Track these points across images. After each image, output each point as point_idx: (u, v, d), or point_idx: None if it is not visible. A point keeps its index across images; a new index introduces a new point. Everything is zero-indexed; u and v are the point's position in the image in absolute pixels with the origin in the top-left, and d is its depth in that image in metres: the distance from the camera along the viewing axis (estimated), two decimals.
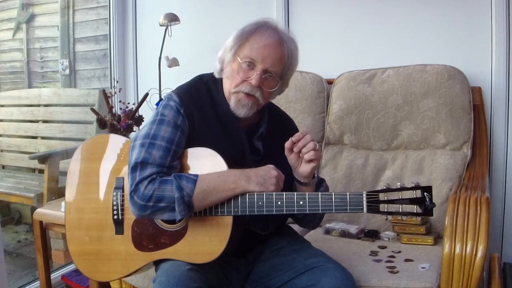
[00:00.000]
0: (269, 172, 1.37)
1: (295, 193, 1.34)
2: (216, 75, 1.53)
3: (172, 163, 1.39)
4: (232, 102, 1.46)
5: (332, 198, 1.33)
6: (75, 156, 1.56)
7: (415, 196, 1.30)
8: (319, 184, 1.52)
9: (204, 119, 1.46)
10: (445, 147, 2.09)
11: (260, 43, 1.43)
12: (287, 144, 1.40)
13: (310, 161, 1.39)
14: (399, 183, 1.33)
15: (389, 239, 1.93)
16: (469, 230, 1.49)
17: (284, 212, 1.34)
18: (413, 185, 1.31)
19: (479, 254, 1.46)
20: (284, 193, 1.34)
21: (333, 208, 1.32)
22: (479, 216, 1.51)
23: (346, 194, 1.33)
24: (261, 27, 1.45)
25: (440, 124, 2.08)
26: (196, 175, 1.35)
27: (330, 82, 2.35)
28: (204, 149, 1.40)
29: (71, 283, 2.46)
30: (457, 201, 1.58)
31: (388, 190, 1.31)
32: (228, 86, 1.48)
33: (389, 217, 1.32)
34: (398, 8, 2.37)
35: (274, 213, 1.34)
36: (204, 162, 1.40)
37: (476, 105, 2.13)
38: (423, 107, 2.10)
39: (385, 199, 1.31)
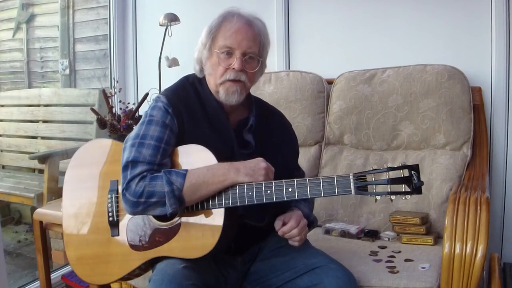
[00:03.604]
0: (258, 164, 1.38)
1: (284, 180, 1.35)
2: (199, 75, 1.56)
3: (162, 161, 1.40)
4: (221, 94, 1.48)
5: (320, 182, 1.34)
6: (71, 163, 1.59)
7: (402, 175, 1.31)
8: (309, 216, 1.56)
9: (192, 117, 1.48)
10: (445, 147, 2.09)
11: (231, 30, 1.47)
12: (277, 225, 1.44)
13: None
14: (385, 164, 1.35)
15: (389, 239, 1.93)
16: (469, 230, 1.49)
17: (274, 200, 1.35)
18: (400, 164, 1.32)
19: (479, 254, 1.46)
20: (273, 181, 1.36)
21: (322, 192, 1.33)
22: (479, 216, 1.51)
23: (334, 178, 1.33)
24: (227, 16, 1.50)
25: (440, 124, 2.08)
26: (186, 170, 1.38)
27: (330, 82, 2.35)
28: (194, 146, 1.42)
29: (71, 283, 2.46)
30: (457, 201, 1.58)
31: (375, 171, 1.32)
32: (213, 81, 1.51)
33: (378, 197, 1.32)
34: (398, 8, 2.37)
35: (265, 201, 1.35)
36: (195, 158, 1.41)
37: (476, 105, 2.13)
38: (423, 107, 2.10)
39: (373, 179, 1.32)
